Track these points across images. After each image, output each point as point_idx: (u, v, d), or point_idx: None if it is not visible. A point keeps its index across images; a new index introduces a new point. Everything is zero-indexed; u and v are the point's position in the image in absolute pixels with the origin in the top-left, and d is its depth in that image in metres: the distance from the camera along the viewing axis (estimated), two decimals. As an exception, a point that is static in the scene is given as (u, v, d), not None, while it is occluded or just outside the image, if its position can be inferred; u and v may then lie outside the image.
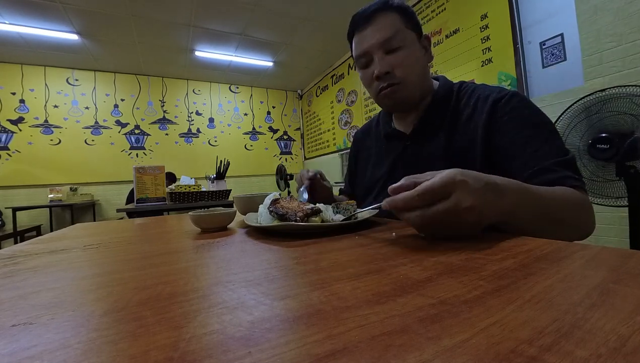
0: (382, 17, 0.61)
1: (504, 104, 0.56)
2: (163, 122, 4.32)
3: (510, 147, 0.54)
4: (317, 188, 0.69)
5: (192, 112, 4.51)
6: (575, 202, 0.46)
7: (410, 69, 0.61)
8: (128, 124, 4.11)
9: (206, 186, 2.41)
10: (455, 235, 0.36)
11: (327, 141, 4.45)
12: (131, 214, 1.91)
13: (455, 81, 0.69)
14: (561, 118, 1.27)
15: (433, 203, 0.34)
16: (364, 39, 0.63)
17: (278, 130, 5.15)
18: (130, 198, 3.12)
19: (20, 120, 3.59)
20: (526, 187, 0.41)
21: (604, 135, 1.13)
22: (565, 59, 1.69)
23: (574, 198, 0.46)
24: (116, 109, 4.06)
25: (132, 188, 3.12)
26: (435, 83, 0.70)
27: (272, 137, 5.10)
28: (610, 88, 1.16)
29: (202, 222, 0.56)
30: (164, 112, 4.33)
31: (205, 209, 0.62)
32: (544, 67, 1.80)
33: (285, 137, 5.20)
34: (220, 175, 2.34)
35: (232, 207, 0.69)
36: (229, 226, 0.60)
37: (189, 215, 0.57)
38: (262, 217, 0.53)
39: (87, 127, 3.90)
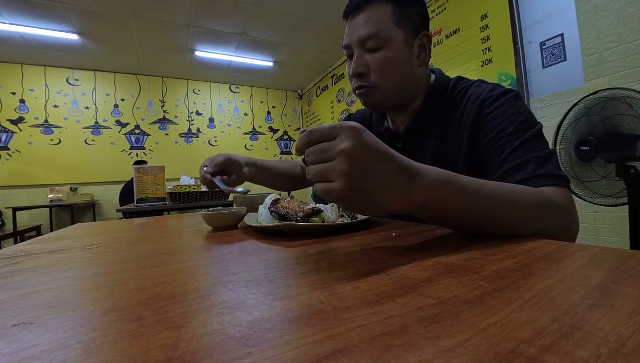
0: (372, 8, 0.56)
1: (489, 104, 0.53)
2: (163, 122, 4.32)
3: (490, 146, 0.51)
4: (231, 172, 0.69)
5: (192, 112, 4.51)
6: (539, 204, 0.39)
7: (387, 73, 0.57)
8: (128, 123, 4.11)
9: (206, 186, 2.40)
10: (331, 196, 0.31)
11: (327, 141, 4.44)
12: (131, 214, 1.91)
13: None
14: (566, 118, 1.27)
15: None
16: (350, 29, 0.59)
17: (278, 130, 5.15)
18: (122, 197, 3.10)
19: (20, 120, 3.58)
20: (461, 182, 0.35)
21: (591, 137, 1.14)
22: (565, 59, 1.69)
23: (539, 200, 0.40)
24: (116, 108, 4.06)
25: (123, 187, 3.14)
26: (433, 77, 0.65)
27: (272, 137, 5.09)
28: (602, 90, 1.17)
29: (214, 221, 0.57)
30: (164, 112, 4.33)
31: (219, 208, 0.64)
32: (544, 67, 1.80)
33: (285, 137, 5.20)
34: (220, 175, 2.34)
35: (232, 207, 0.69)
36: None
37: (201, 214, 0.58)
38: (263, 217, 0.54)
39: (87, 127, 3.89)
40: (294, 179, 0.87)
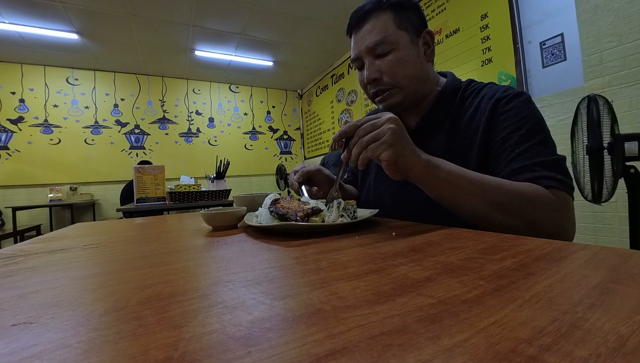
0: (374, 18, 0.60)
1: (505, 103, 0.55)
2: (163, 121, 4.31)
3: (500, 145, 0.53)
4: (318, 183, 0.71)
5: (192, 112, 4.50)
6: (532, 197, 0.44)
7: (400, 73, 0.60)
8: (128, 123, 4.11)
9: (206, 186, 2.40)
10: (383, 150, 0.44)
11: (327, 141, 4.45)
12: (131, 214, 1.91)
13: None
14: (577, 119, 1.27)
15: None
16: (356, 42, 0.62)
17: (278, 129, 5.15)
18: (124, 197, 3.11)
19: (20, 119, 3.58)
20: (453, 165, 0.49)
21: (579, 138, 1.16)
22: (565, 59, 1.69)
23: (533, 194, 0.45)
24: (116, 108, 4.05)
25: (124, 187, 3.14)
26: (443, 80, 0.67)
27: (272, 137, 5.09)
28: (592, 94, 1.17)
29: (214, 221, 0.57)
30: (164, 111, 4.32)
31: (219, 208, 0.65)
32: (544, 67, 1.79)
33: (285, 136, 5.20)
34: (220, 175, 2.34)
35: (232, 206, 0.70)
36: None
37: (201, 214, 0.58)
38: (262, 217, 0.54)
39: (87, 127, 3.89)
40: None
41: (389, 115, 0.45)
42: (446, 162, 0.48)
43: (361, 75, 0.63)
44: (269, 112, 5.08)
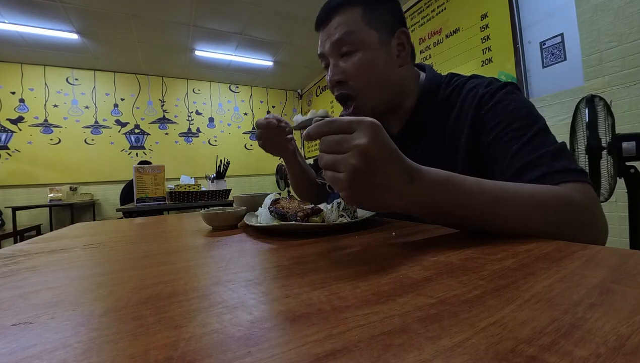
0: (341, 14, 0.55)
1: (488, 99, 0.50)
2: (163, 121, 4.31)
3: (495, 144, 0.48)
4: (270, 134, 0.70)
5: (192, 112, 4.50)
6: (551, 204, 0.36)
7: (366, 77, 0.54)
8: (128, 123, 4.11)
9: (206, 186, 2.40)
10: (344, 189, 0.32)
11: (327, 141, 4.45)
12: (131, 214, 1.91)
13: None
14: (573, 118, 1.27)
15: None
16: (322, 38, 0.58)
17: (278, 129, 5.15)
18: (124, 197, 3.12)
19: (20, 119, 3.58)
20: (463, 185, 0.35)
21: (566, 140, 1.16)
22: (565, 59, 1.69)
23: (551, 199, 0.37)
24: (116, 108, 4.05)
25: (124, 187, 3.15)
26: (422, 75, 0.62)
27: (272, 137, 5.09)
28: (590, 94, 1.17)
29: (214, 221, 0.58)
30: (164, 111, 4.32)
31: (219, 208, 0.65)
32: (544, 67, 1.80)
33: (285, 136, 5.20)
34: (220, 175, 2.34)
35: (232, 206, 0.70)
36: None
37: (201, 214, 0.58)
38: (262, 217, 0.54)
39: (86, 127, 3.89)
40: (310, 181, 0.86)
41: (363, 138, 0.30)
42: (448, 186, 0.35)
43: (327, 74, 0.59)
44: (269, 112, 5.08)
